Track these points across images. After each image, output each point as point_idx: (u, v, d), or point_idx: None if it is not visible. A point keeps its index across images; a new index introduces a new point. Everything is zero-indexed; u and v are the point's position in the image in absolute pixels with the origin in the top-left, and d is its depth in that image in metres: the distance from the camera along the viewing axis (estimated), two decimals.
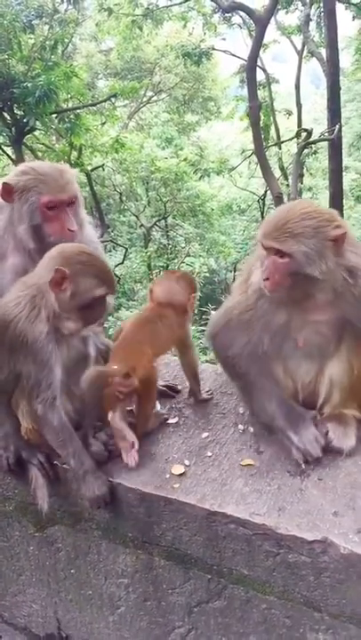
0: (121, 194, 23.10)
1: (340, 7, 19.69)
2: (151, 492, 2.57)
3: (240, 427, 2.86)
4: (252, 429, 2.83)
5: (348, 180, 25.37)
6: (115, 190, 22.98)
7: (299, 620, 2.45)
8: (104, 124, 20.90)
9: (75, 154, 18.58)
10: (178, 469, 2.64)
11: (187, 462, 2.68)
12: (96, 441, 2.76)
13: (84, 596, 3.01)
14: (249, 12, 18.93)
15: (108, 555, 2.82)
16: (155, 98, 31.01)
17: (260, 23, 17.49)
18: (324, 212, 2.57)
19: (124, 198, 23.47)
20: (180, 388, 3.15)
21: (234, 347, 2.71)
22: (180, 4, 21.54)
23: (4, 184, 2.84)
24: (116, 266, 19.16)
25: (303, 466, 2.58)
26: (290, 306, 2.60)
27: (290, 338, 2.66)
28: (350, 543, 2.25)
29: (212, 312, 13.18)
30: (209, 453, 2.72)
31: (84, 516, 2.78)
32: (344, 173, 20.63)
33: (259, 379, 2.71)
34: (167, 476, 2.62)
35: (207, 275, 24.90)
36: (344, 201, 20.30)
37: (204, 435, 2.84)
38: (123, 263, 20.34)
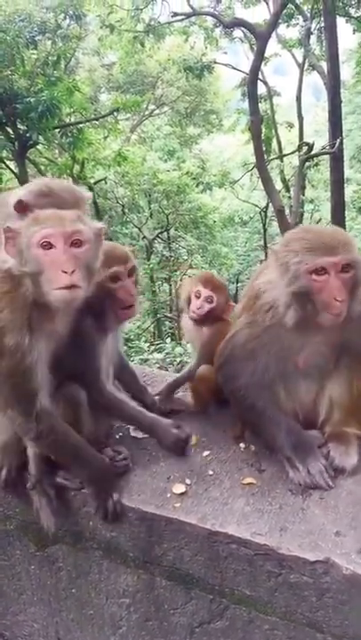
0: (123, 206, 23.23)
1: (340, 21, 19.84)
2: (152, 511, 2.55)
3: (241, 445, 2.85)
4: (253, 447, 2.82)
5: (349, 191, 25.41)
6: (117, 203, 23.11)
7: None
8: (106, 137, 21.06)
9: (77, 167, 18.72)
10: (179, 488, 2.62)
11: (188, 481, 2.67)
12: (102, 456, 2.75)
13: (85, 615, 2.99)
14: (250, 28, 19.08)
15: (110, 574, 2.80)
16: (157, 111, 31.22)
17: (261, 38, 17.64)
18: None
19: (126, 210, 23.60)
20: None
21: (241, 377, 2.71)
22: (182, 20, 21.70)
23: (20, 201, 2.83)
24: None
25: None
26: (301, 328, 2.57)
27: (291, 359, 2.66)
28: (353, 564, 2.23)
29: None
30: (210, 472, 2.71)
31: (85, 536, 2.77)
32: (346, 185, 20.68)
33: (267, 409, 2.69)
34: (168, 495, 2.61)
35: None
36: (346, 212, 20.34)
37: (205, 453, 2.83)
38: None
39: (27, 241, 2.37)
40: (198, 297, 2.94)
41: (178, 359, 7.61)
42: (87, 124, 18.98)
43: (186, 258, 23.68)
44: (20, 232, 2.39)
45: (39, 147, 18.96)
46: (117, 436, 2.93)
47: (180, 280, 22.08)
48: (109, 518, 2.60)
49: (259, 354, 2.62)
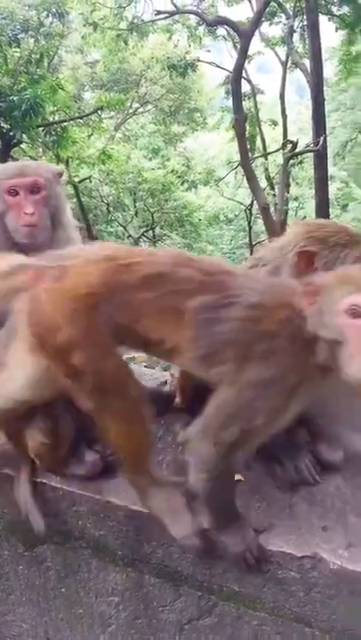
0: (108, 205, 23.20)
1: (323, 19, 20.01)
2: (140, 509, 2.55)
3: None
4: None
5: (333, 188, 25.60)
6: (102, 201, 23.08)
7: (290, 636, 2.44)
8: (90, 135, 20.99)
9: (62, 166, 18.63)
10: None
11: (175, 479, 2.67)
12: (91, 451, 2.74)
13: (74, 614, 2.99)
14: (233, 26, 19.13)
15: (98, 573, 2.80)
16: (141, 109, 31.23)
17: (244, 36, 17.70)
18: None
19: (111, 209, 23.57)
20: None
21: None
22: (165, 18, 21.71)
23: None
24: None
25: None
26: None
27: None
28: (340, 558, 2.25)
29: None
30: None
31: (74, 535, 2.77)
32: (330, 182, 20.84)
33: None
34: None
35: None
36: (330, 209, 20.50)
37: None
38: None
39: None
40: None
41: None
42: (71, 122, 18.90)
43: None
44: None
45: (23, 145, 18.86)
46: None
47: None
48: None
49: None
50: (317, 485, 2.56)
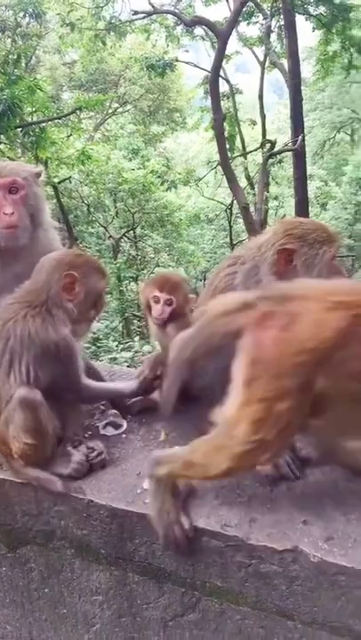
0: (88, 205, 23.10)
1: (300, 19, 20.15)
2: (123, 507, 2.57)
3: None
4: None
5: (312, 187, 25.82)
6: (82, 202, 22.98)
7: (272, 630, 2.47)
8: (69, 136, 20.89)
9: (40, 167, 18.51)
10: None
11: None
12: (77, 452, 2.76)
13: (58, 615, 2.99)
14: (211, 26, 19.18)
15: (82, 572, 2.81)
16: (120, 109, 31.20)
17: (222, 36, 17.76)
18: None
19: (91, 210, 23.48)
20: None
21: (208, 374, 2.74)
22: (143, 18, 21.70)
23: None
24: None
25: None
26: None
27: None
28: (320, 551, 2.28)
29: None
30: None
31: (57, 535, 2.77)
32: (309, 181, 21.01)
33: None
34: (139, 491, 2.63)
35: None
36: (310, 208, 20.66)
37: (175, 448, 2.86)
38: None
39: None
40: (158, 302, 2.95)
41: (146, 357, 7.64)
42: (50, 123, 18.80)
43: (153, 256, 23.67)
44: None
45: (1, 146, 18.72)
46: (87, 435, 2.93)
47: (148, 279, 22.08)
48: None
49: (224, 351, 2.65)
50: (297, 480, 2.60)
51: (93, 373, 3.17)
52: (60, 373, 2.72)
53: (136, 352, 7.75)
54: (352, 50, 21.40)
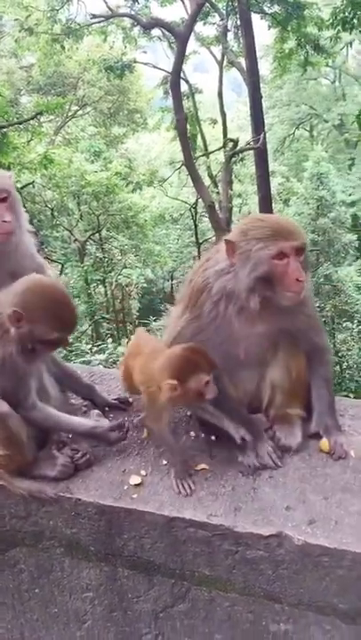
0: (52, 209, 22.95)
1: (255, 17, 20.31)
2: (110, 504, 2.63)
3: (192, 433, 2.95)
4: (203, 435, 2.92)
5: (275, 184, 26.07)
6: (46, 206, 22.81)
7: (261, 614, 2.56)
8: (30, 140, 20.71)
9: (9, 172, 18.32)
10: (135, 480, 2.71)
11: (143, 472, 2.75)
12: (62, 454, 2.80)
13: (49, 614, 3.03)
14: (169, 28, 19.23)
15: (72, 570, 2.85)
16: (80, 112, 31.03)
17: (180, 38, 17.83)
18: None
19: (55, 214, 23.31)
20: (130, 400, 3.22)
21: None
22: (100, 22, 21.65)
23: None
24: None
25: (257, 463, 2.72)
26: (245, 319, 2.73)
27: (234, 350, 2.79)
28: (303, 534, 2.38)
29: (153, 324, 13.35)
30: (164, 462, 2.80)
31: (46, 535, 2.81)
32: (271, 178, 21.22)
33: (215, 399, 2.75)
34: (125, 487, 2.69)
35: (145, 285, 25.07)
36: (273, 204, 20.86)
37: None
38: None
39: None
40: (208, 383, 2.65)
41: (121, 358, 7.66)
42: (10, 127, 18.61)
43: (120, 258, 23.63)
44: None
45: None
46: (70, 436, 2.97)
47: (116, 281, 22.05)
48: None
49: (206, 347, 2.72)
50: (278, 468, 2.69)
51: (70, 377, 3.20)
52: (6, 389, 2.69)
53: (110, 354, 7.77)
54: (308, 47, 21.68)
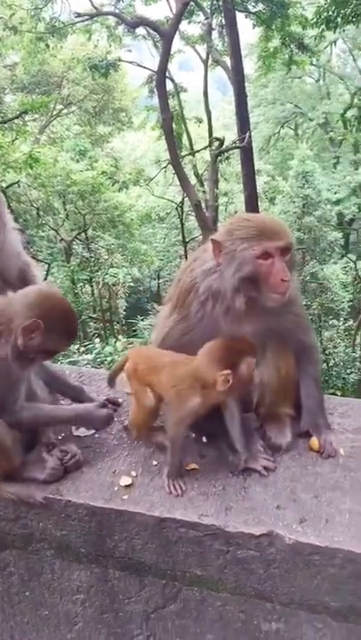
0: (38, 209, 22.79)
1: (240, 16, 20.34)
2: (101, 505, 2.62)
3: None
4: (193, 435, 2.92)
5: (260, 182, 26.12)
6: (31, 206, 22.65)
7: (252, 613, 2.57)
8: (15, 139, 20.58)
9: None
10: (125, 481, 2.70)
11: (133, 473, 2.75)
12: (51, 457, 2.79)
13: (40, 616, 3.01)
14: (154, 27, 19.21)
15: (63, 572, 2.84)
16: (65, 111, 30.94)
17: (165, 37, 17.80)
18: None
19: (41, 213, 23.17)
20: (120, 400, 3.21)
21: None
22: (85, 21, 21.58)
23: None
24: None
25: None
26: (234, 317, 2.71)
27: None
28: (294, 533, 2.39)
29: (140, 323, 13.33)
30: (154, 462, 2.80)
31: (36, 537, 2.79)
32: (257, 177, 21.26)
33: None
34: (116, 488, 2.68)
35: (132, 284, 25.01)
36: (259, 203, 20.90)
37: (148, 444, 2.92)
38: (46, 279, 20.06)
39: None
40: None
41: (109, 358, 7.65)
42: None
43: (106, 257, 23.54)
44: None
45: None
46: (60, 437, 2.96)
47: (102, 281, 21.97)
48: None
49: (193, 347, 2.72)
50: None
51: (57, 380, 3.18)
52: None
53: (98, 353, 7.74)
54: (292, 46, 21.76)
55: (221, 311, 2.72)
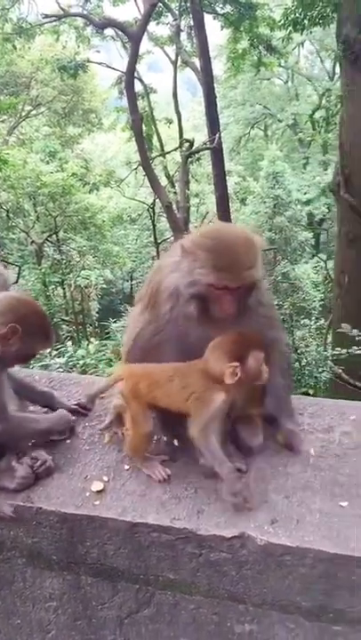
0: (8, 211, 22.53)
1: (208, 17, 20.42)
2: (72, 511, 2.60)
3: (153, 437, 2.94)
4: (165, 438, 2.91)
5: (231, 183, 26.24)
6: (1, 208, 22.41)
7: (225, 615, 2.57)
8: None
9: None
10: (97, 486, 2.68)
11: (105, 478, 2.73)
12: (21, 465, 2.75)
13: (12, 625, 2.98)
14: (122, 28, 19.17)
15: (34, 580, 2.81)
16: (34, 112, 30.71)
17: (134, 38, 17.78)
18: (251, 232, 2.73)
19: (11, 215, 22.91)
20: (90, 406, 3.18)
21: None
22: (53, 22, 21.43)
23: None
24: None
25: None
26: (202, 324, 2.71)
27: (192, 352, 2.78)
28: (266, 534, 2.39)
29: (113, 325, 13.27)
30: (126, 467, 2.78)
31: (7, 546, 2.76)
32: (228, 177, 21.35)
33: None
34: (87, 494, 2.66)
35: (104, 286, 24.89)
36: (230, 203, 21.00)
37: (119, 449, 2.91)
38: (17, 282, 19.84)
39: None
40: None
41: (81, 361, 7.59)
42: None
43: (78, 259, 23.38)
44: None
45: None
46: (30, 443, 2.92)
47: (74, 283, 21.82)
48: None
49: (163, 348, 2.71)
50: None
51: (25, 387, 3.14)
52: None
53: (70, 357, 7.68)
54: (260, 47, 21.90)
55: (188, 313, 2.72)
